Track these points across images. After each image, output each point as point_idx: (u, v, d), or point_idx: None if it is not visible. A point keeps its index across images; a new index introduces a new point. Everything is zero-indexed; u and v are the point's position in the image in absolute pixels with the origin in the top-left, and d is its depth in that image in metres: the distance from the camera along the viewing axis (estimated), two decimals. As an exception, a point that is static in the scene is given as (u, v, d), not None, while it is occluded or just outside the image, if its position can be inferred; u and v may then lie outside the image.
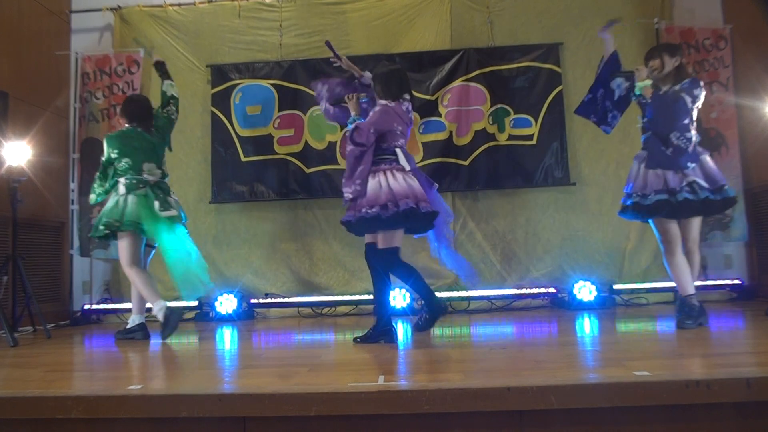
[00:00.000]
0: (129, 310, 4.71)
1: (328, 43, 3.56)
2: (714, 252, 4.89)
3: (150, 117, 3.75)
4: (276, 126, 4.98)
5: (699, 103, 3.25)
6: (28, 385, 2.29)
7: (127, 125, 3.72)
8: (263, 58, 5.09)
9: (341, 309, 4.84)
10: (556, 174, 4.83)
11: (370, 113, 3.28)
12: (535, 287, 4.75)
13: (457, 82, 4.89)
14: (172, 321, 3.53)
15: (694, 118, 3.25)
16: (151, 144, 3.69)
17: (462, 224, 4.93)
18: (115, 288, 5.01)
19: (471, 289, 4.68)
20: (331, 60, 3.56)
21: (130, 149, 3.61)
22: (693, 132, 3.23)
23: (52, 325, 4.43)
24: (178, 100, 3.96)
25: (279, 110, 4.98)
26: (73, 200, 5.05)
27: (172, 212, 3.59)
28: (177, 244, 3.51)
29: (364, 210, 3.12)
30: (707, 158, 3.29)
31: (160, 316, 3.54)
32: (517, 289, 4.75)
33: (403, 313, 4.48)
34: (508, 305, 4.74)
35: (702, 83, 3.29)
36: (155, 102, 4.03)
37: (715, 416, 1.92)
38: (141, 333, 3.65)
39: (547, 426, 1.95)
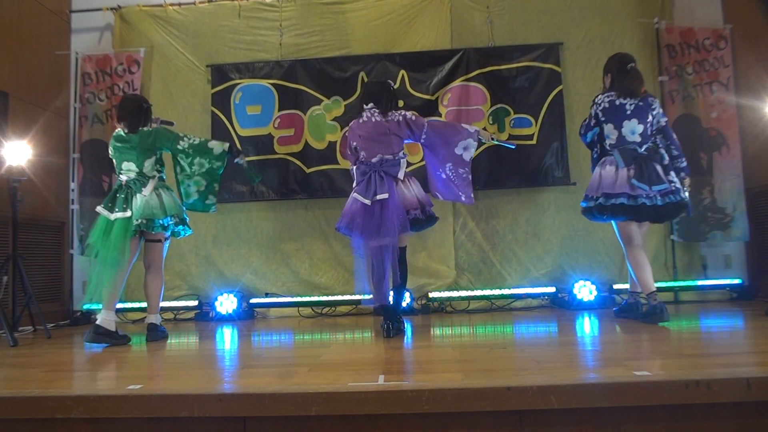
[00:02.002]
0: (129, 310, 4.75)
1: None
2: (714, 252, 4.89)
3: (130, 114, 3.59)
4: (276, 126, 4.98)
5: (592, 110, 3.74)
6: (28, 385, 2.29)
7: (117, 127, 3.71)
8: (263, 58, 5.09)
9: (341, 309, 4.84)
10: (556, 174, 4.83)
11: (415, 120, 3.53)
12: (535, 287, 4.75)
13: (457, 82, 4.89)
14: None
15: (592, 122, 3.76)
16: (130, 143, 3.58)
17: (462, 224, 4.93)
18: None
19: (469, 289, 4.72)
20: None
21: (114, 150, 3.63)
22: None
23: (52, 325, 4.43)
24: (204, 142, 3.72)
25: (279, 110, 4.99)
26: (73, 200, 5.05)
27: (122, 214, 3.47)
28: (107, 249, 3.40)
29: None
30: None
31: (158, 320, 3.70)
32: (517, 289, 4.75)
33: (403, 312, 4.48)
34: (508, 305, 4.74)
35: (599, 96, 3.74)
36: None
37: (715, 416, 1.92)
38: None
39: (547, 426, 1.95)
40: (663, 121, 3.65)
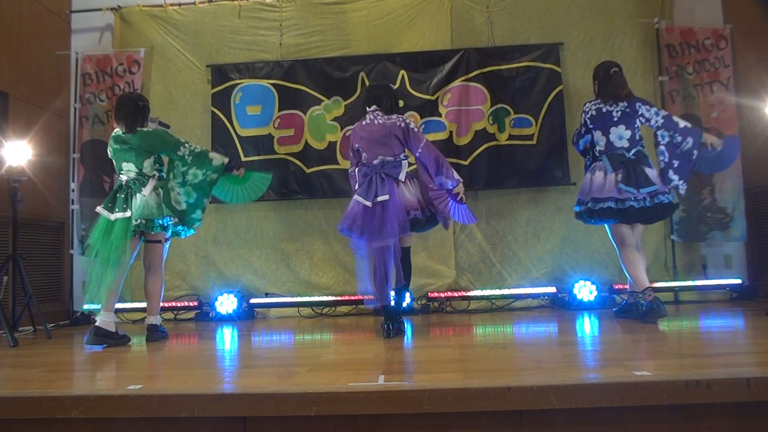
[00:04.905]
0: (129, 311, 4.75)
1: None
2: (714, 252, 4.89)
3: (127, 115, 3.57)
4: (276, 126, 4.98)
5: (582, 118, 3.84)
6: (28, 385, 2.29)
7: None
8: (263, 58, 5.09)
9: (341, 309, 4.84)
10: (556, 174, 4.82)
11: (416, 132, 3.51)
12: (535, 287, 4.75)
13: (457, 82, 4.89)
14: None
15: (583, 131, 3.87)
16: (128, 143, 3.57)
17: (462, 224, 4.92)
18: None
19: (471, 289, 4.74)
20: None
21: (113, 151, 3.63)
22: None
23: (52, 325, 4.43)
24: (206, 152, 3.70)
25: (279, 110, 4.98)
26: (73, 200, 5.05)
27: (122, 214, 3.47)
28: (108, 250, 3.41)
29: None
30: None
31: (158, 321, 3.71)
32: (517, 289, 4.75)
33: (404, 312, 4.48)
34: (508, 305, 4.74)
35: (587, 104, 3.83)
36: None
37: (715, 416, 1.92)
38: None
39: (547, 426, 1.96)
40: (659, 120, 3.66)
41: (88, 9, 5.25)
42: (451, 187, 3.46)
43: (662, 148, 3.69)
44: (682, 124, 3.68)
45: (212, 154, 3.70)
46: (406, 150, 3.57)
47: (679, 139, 3.66)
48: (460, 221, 3.69)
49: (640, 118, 3.67)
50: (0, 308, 3.69)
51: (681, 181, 3.67)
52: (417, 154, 3.51)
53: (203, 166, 3.66)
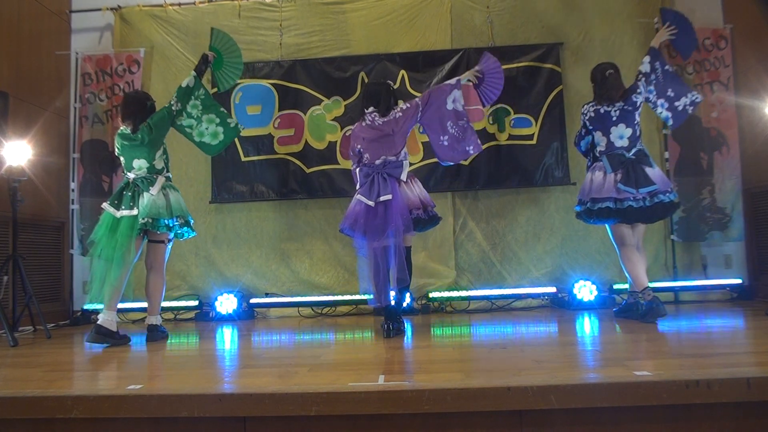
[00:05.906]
0: (129, 311, 4.75)
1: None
2: (714, 252, 4.89)
3: (134, 113, 3.62)
4: (276, 126, 4.98)
5: (583, 119, 3.87)
6: (28, 385, 2.29)
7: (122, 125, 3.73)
8: (263, 58, 5.09)
9: (341, 309, 4.84)
10: (556, 174, 4.83)
11: (409, 107, 3.62)
12: (535, 287, 4.75)
13: (457, 82, 4.89)
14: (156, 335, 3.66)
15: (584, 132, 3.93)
16: (136, 141, 3.60)
17: (462, 224, 4.93)
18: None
19: (470, 289, 4.74)
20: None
21: (122, 148, 3.65)
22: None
23: (52, 325, 4.43)
24: (180, 88, 3.77)
25: (279, 110, 4.99)
26: (73, 200, 5.05)
27: (128, 212, 3.49)
28: (113, 248, 3.42)
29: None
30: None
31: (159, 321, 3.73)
32: (517, 289, 4.75)
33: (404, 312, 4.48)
34: (508, 305, 4.74)
35: (585, 105, 3.88)
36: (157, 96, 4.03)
37: (715, 416, 1.92)
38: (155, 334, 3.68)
39: (547, 426, 1.96)
40: (646, 85, 3.74)
41: (88, 9, 5.25)
42: (462, 82, 3.70)
43: (659, 101, 3.76)
44: (647, 65, 3.77)
45: (183, 83, 3.77)
46: (407, 147, 3.59)
47: (654, 76, 3.75)
48: (497, 93, 3.87)
49: (639, 110, 3.71)
50: (0, 308, 3.69)
51: (689, 95, 3.76)
52: (421, 118, 3.61)
53: (190, 96, 3.78)
